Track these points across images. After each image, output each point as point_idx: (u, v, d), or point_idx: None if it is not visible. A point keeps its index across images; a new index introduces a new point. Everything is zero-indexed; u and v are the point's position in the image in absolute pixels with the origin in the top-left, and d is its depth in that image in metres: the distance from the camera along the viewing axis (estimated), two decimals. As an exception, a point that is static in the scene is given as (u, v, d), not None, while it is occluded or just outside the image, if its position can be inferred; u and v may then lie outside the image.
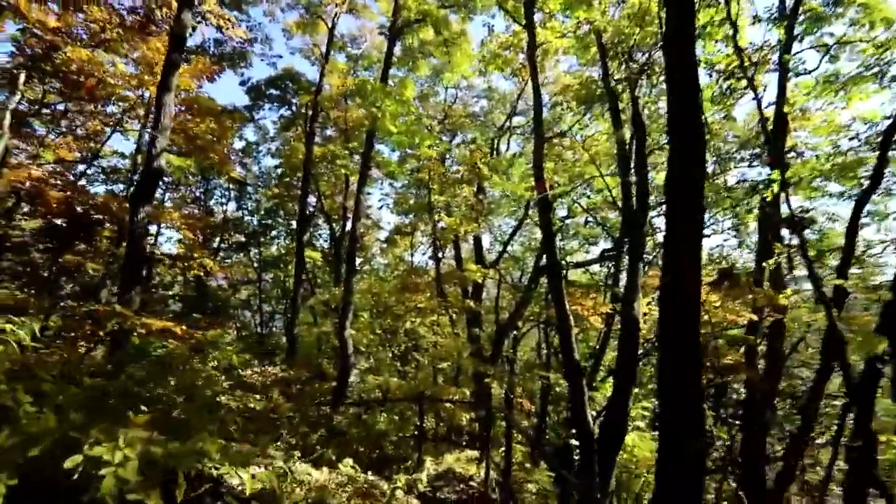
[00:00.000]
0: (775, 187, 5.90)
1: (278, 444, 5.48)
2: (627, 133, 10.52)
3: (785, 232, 8.71)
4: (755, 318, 6.83)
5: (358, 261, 25.87)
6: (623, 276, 17.02)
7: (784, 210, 8.10)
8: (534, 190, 18.30)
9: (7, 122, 11.95)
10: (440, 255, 17.51)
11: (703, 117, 5.19)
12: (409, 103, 11.62)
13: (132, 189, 10.68)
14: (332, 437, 8.45)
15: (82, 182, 15.87)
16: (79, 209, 13.89)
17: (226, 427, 4.95)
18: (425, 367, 14.99)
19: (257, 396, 7.71)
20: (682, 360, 4.40)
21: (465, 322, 18.86)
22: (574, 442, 13.62)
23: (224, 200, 20.87)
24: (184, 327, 7.50)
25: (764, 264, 6.92)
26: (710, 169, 15.49)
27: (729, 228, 18.73)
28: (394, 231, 24.04)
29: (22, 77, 12.52)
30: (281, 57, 46.44)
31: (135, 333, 7.06)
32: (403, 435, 10.99)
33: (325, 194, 18.42)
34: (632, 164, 9.27)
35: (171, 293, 20.16)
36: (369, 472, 5.23)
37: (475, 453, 8.18)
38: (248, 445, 5.46)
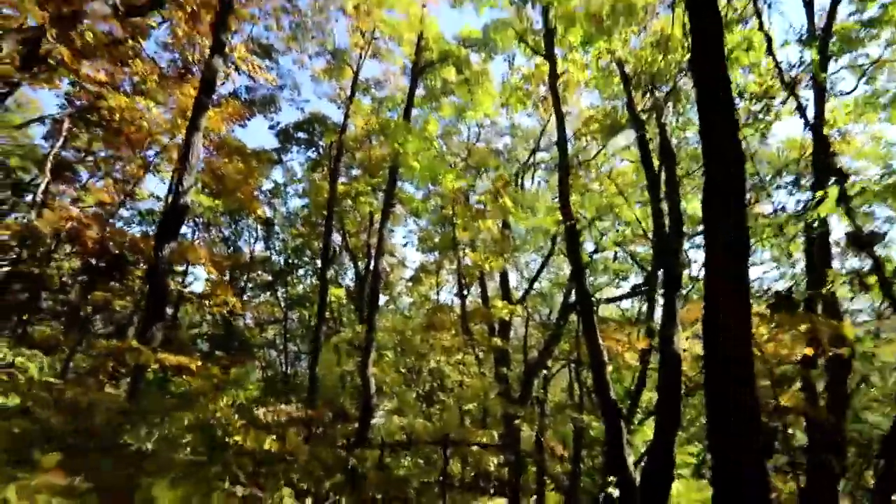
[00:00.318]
0: (830, 203, 5.38)
1: (284, 490, 5.07)
2: (655, 162, 10.19)
3: (836, 261, 8.06)
4: (812, 352, 6.16)
5: (383, 299, 25.69)
6: (657, 311, 16.25)
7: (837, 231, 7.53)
8: (560, 223, 18.00)
9: (49, 166, 12.47)
10: (465, 292, 17.13)
11: (740, 135, 4.84)
12: (431, 139, 11.62)
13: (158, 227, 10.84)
14: (351, 482, 7.95)
15: (119, 224, 16.37)
16: (115, 249, 14.22)
17: (230, 469, 4.58)
18: (451, 408, 14.35)
19: (273, 437, 7.33)
20: (733, 400, 3.88)
21: (493, 361, 18.20)
22: (613, 491, 12.64)
23: (252, 240, 21.19)
24: (198, 363, 7.27)
25: (816, 291, 6.32)
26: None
27: (769, 259, 17.83)
28: (419, 269, 23.87)
29: (66, 124, 13.14)
30: (308, 101, 48.31)
31: (149, 370, 6.84)
32: (428, 480, 10.34)
33: (349, 232, 18.46)
34: (662, 193, 8.89)
35: (198, 331, 20.23)
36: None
37: (503, 501, 7.53)
38: (255, 489, 5.08)
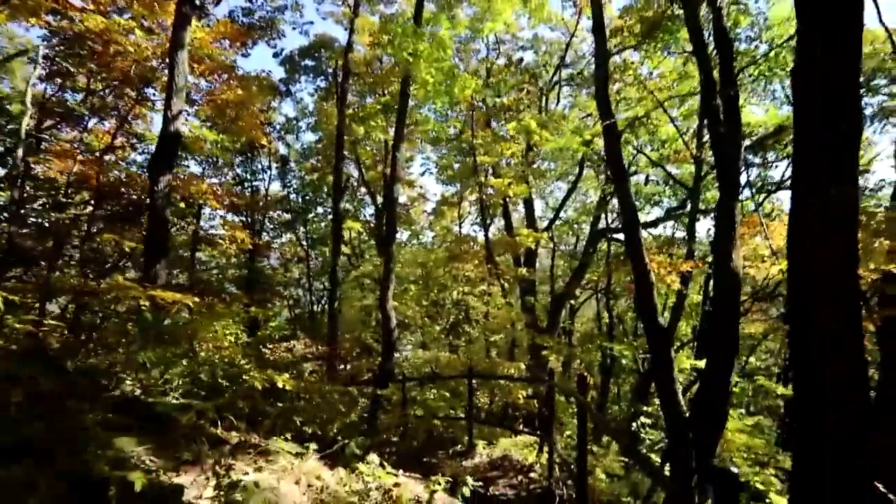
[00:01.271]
0: None
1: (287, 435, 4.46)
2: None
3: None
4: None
5: (405, 234, 24.96)
6: (699, 233, 14.98)
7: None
8: (588, 145, 16.47)
9: (30, 100, 11.60)
10: (489, 221, 16.11)
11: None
12: (445, 46, 10.16)
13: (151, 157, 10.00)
14: (371, 420, 7.49)
15: (134, 169, 15.65)
16: (131, 194, 13.62)
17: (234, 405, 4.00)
18: (477, 339, 13.81)
19: (285, 375, 6.76)
20: (833, 318, 2.90)
21: (519, 292, 17.49)
22: (644, 421, 12.11)
23: (268, 179, 20.31)
24: (196, 299, 6.63)
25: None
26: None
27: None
28: (440, 202, 22.85)
29: (42, 50, 12.15)
30: (312, 23, 45.34)
31: (144, 307, 6.24)
32: (454, 414, 9.90)
33: (365, 164, 17.40)
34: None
35: (222, 275, 19.99)
36: (402, 471, 4.09)
37: (534, 438, 6.93)
38: (251, 435, 4.50)
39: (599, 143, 17.82)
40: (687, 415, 5.30)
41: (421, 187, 23.27)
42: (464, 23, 15.61)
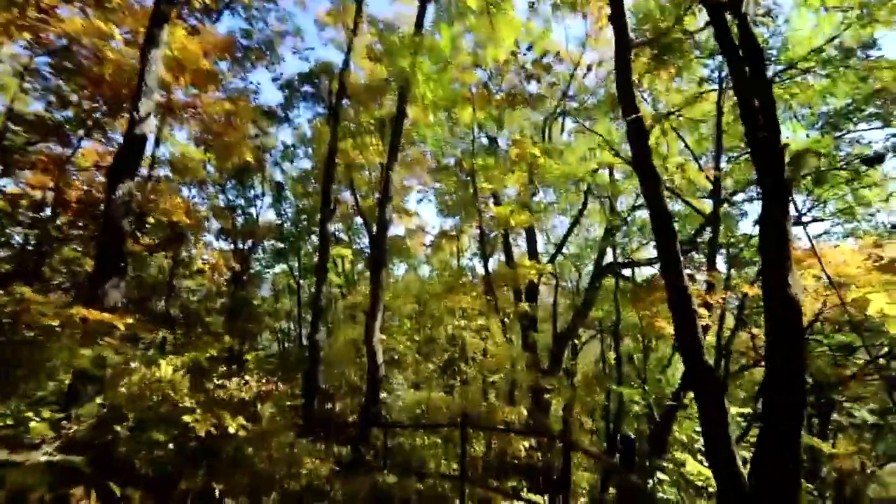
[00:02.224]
0: None
1: None
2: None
3: None
4: None
5: (401, 267, 23.82)
6: (720, 263, 13.78)
7: None
8: (595, 173, 15.55)
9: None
10: (489, 252, 14.97)
11: None
12: (445, 55, 9.34)
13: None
14: (349, 476, 6.11)
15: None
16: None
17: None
18: (474, 379, 12.40)
19: (240, 418, 5.47)
20: None
21: (519, 329, 16.16)
22: (662, 477, 10.57)
23: (261, 207, 19.35)
24: (129, 320, 5.42)
25: None
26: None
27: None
28: (439, 235, 21.86)
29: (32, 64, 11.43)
30: (313, 49, 44.93)
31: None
32: (446, 465, 8.45)
33: (361, 192, 16.47)
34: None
35: (208, 304, 18.69)
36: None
37: (540, 500, 5.55)
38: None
39: (606, 176, 17.12)
40: (745, 484, 3.97)
41: (418, 215, 22.21)
42: (464, 53, 15.02)
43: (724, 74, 11.76)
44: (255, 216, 18.87)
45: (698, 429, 10.80)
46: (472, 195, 14.39)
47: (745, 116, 5.42)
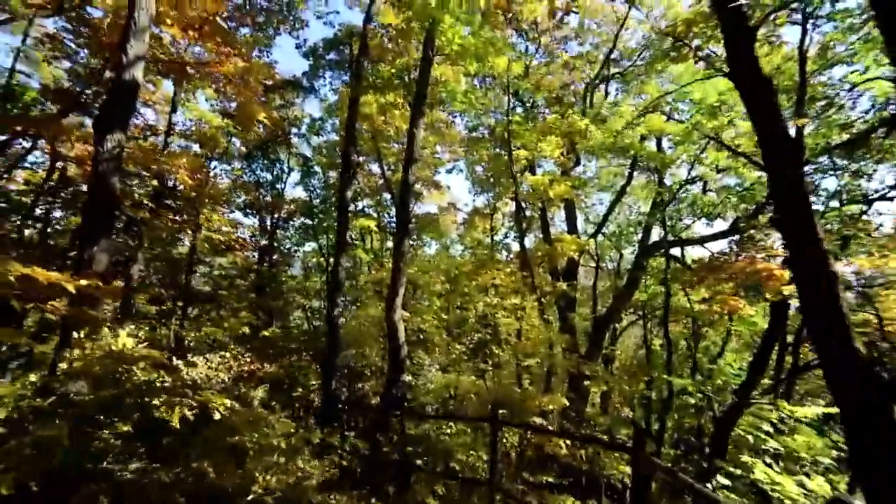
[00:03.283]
0: None
1: None
2: None
3: None
4: None
5: (432, 245, 22.69)
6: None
7: None
8: (641, 141, 13.83)
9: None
10: (524, 226, 13.60)
11: None
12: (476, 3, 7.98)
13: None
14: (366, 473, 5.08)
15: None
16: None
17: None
18: (507, 363, 11.19)
19: (224, 398, 4.49)
20: None
21: (557, 310, 14.79)
22: (720, 479, 9.14)
23: (284, 181, 18.41)
24: (84, 282, 4.47)
25: None
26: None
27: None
28: (472, 213, 20.61)
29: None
30: (338, 13, 44.10)
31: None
32: (476, 457, 7.34)
33: (389, 164, 15.34)
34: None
35: (242, 279, 18.10)
36: None
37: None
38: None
39: (652, 149, 15.33)
40: None
41: (449, 188, 20.97)
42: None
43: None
44: (280, 191, 18.01)
45: (766, 428, 9.29)
46: (506, 163, 12.99)
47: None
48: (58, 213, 11.56)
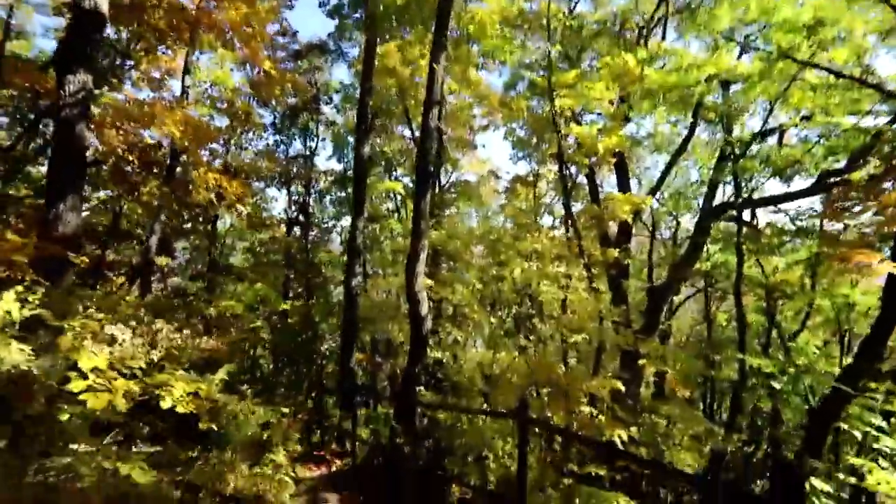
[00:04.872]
0: None
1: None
2: None
3: None
4: None
5: (474, 217, 21.26)
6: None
7: None
8: (710, 79, 11.63)
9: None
10: (570, 185, 11.85)
11: None
12: None
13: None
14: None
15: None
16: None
17: None
18: (551, 339, 9.71)
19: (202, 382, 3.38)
20: None
21: (608, 281, 13.05)
22: (814, 482, 7.35)
23: (311, 150, 17.31)
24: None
25: None
26: None
27: None
28: (513, 180, 18.92)
29: None
30: None
31: None
32: (508, 449, 6.04)
33: (417, 123, 13.89)
34: None
35: (276, 257, 17.47)
36: None
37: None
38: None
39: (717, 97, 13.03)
40: None
41: (488, 158, 19.48)
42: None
43: None
44: (311, 161, 16.99)
45: (878, 423, 7.34)
46: (548, 116, 11.24)
47: None
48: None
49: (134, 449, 5.21)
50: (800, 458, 6.97)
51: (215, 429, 3.61)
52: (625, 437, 5.51)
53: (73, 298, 3.99)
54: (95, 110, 8.26)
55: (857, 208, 9.59)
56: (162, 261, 14.60)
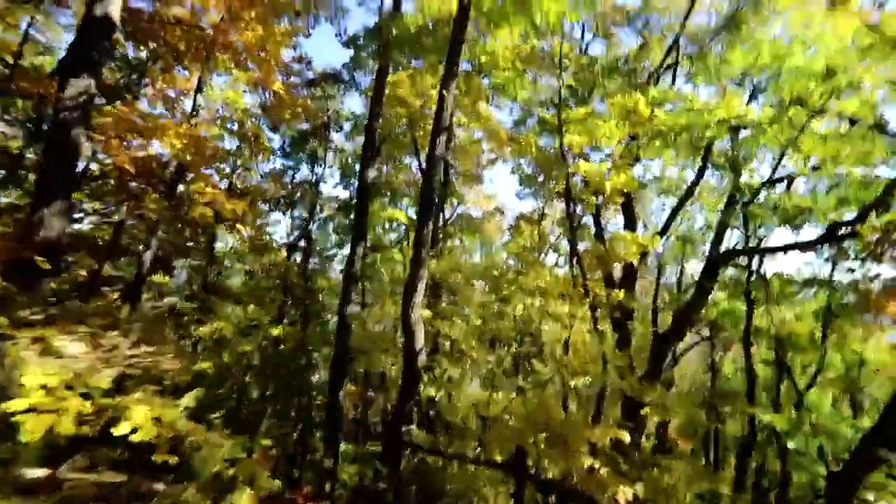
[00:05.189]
0: None
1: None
2: None
3: None
4: None
5: (477, 250, 21.00)
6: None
7: None
8: (721, 123, 11.58)
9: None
10: (576, 223, 11.61)
11: None
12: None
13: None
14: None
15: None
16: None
17: None
18: (550, 381, 9.21)
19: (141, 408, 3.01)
20: None
21: (612, 323, 12.60)
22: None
23: (317, 177, 17.27)
24: None
25: None
26: None
27: None
28: (518, 218, 18.77)
29: None
30: None
31: None
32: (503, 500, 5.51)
33: (423, 147, 13.85)
34: None
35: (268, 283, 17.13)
36: None
37: None
38: None
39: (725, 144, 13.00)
40: None
41: (491, 181, 19.14)
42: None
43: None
44: (315, 184, 16.91)
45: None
46: (556, 153, 11.13)
47: None
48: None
49: (94, 477, 4.75)
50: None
51: (170, 462, 3.20)
52: (629, 496, 4.99)
53: (36, 306, 3.66)
54: (103, 120, 8.16)
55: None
56: (159, 279, 14.31)
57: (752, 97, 12.23)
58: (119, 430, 3.18)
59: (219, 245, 17.35)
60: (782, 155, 12.02)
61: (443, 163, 8.27)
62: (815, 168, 11.91)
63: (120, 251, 14.23)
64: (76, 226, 12.92)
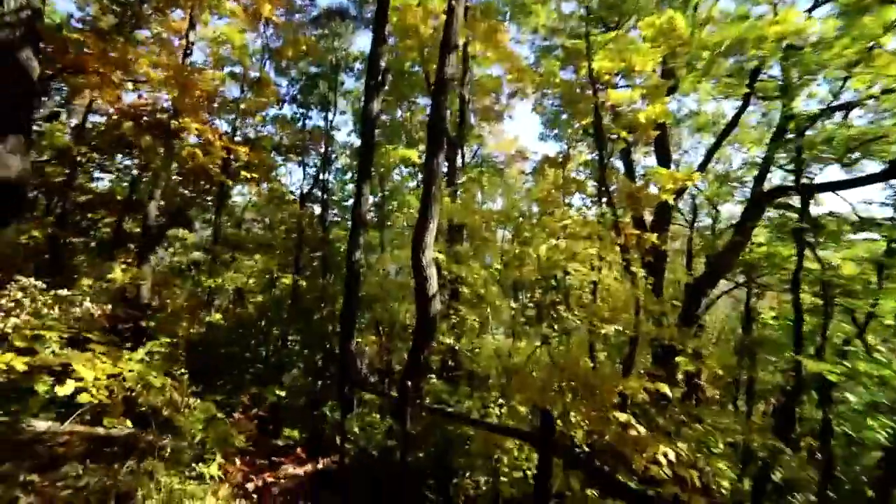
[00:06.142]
0: None
1: None
2: None
3: None
4: None
5: (498, 196, 19.95)
6: None
7: None
8: (762, 43, 9.97)
9: None
10: (606, 159, 10.43)
11: None
12: None
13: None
14: None
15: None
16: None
17: None
18: (577, 330, 8.45)
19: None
20: None
21: (644, 268, 11.62)
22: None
23: (328, 124, 16.20)
24: None
25: None
26: None
27: None
28: (542, 160, 17.52)
29: None
30: None
31: None
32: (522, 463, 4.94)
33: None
34: None
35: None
36: None
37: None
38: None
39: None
40: None
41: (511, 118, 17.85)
42: None
43: None
44: (328, 134, 15.93)
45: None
46: (582, 84, 9.84)
47: None
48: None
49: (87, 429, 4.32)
50: (882, 491, 5.61)
51: (129, 426, 2.59)
52: (671, 457, 4.28)
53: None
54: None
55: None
56: (177, 232, 13.94)
57: (815, 5, 10.47)
58: (64, 390, 2.58)
59: (237, 199, 16.86)
60: (846, 77, 10.39)
61: (458, 94, 7.20)
62: (886, 91, 10.23)
63: (134, 206, 13.86)
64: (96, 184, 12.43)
